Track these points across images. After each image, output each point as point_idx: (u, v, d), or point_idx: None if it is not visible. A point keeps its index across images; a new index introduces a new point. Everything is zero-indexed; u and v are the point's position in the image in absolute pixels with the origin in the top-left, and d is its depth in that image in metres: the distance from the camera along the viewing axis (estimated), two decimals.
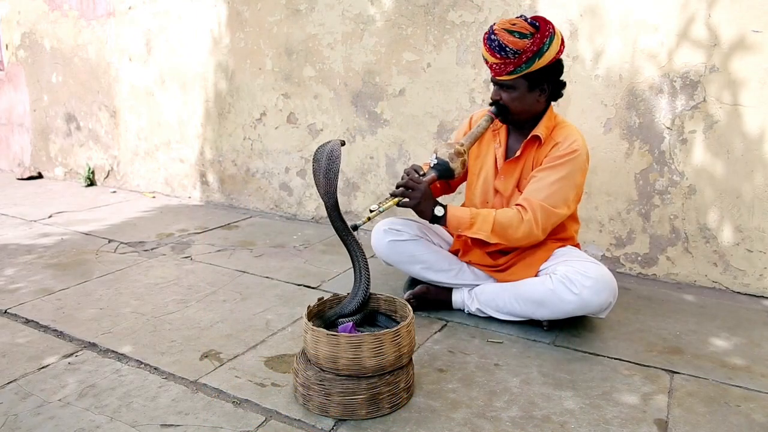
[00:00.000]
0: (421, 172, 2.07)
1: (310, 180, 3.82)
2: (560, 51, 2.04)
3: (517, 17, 2.02)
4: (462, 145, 2.09)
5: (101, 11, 4.61)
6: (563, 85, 2.17)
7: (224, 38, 3.99)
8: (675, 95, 2.63)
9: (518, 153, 2.17)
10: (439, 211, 2.05)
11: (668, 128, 2.67)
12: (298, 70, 3.71)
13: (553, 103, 2.22)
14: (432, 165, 2.09)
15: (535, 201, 2.04)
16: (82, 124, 5.03)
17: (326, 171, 1.74)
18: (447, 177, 2.09)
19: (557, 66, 2.10)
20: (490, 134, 2.29)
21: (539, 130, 2.13)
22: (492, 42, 1.99)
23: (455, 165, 2.05)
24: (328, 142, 1.78)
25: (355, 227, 1.84)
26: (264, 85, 3.87)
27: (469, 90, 3.13)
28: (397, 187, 2.04)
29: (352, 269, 1.86)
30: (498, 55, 1.99)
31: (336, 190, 1.76)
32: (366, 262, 1.85)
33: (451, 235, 2.44)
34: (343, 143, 1.80)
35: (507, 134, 2.26)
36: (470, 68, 3.09)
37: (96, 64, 4.77)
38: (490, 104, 2.17)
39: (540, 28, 1.97)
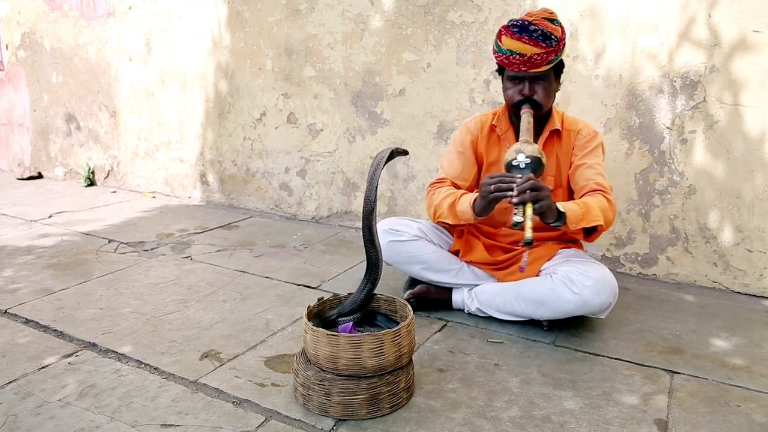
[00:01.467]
0: (519, 176, 1.90)
1: (310, 180, 3.82)
2: None
3: (543, 9, 2.08)
4: (530, 141, 2.00)
5: (101, 11, 4.61)
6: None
7: (224, 38, 3.99)
8: (675, 95, 2.63)
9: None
10: (561, 207, 1.93)
11: (668, 128, 2.67)
12: (298, 70, 3.71)
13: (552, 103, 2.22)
14: (524, 165, 1.92)
15: (604, 183, 2.10)
16: (82, 124, 5.03)
17: (371, 176, 1.75)
18: (540, 172, 1.98)
19: None
20: (494, 138, 2.28)
21: (556, 124, 2.18)
22: (533, 32, 1.98)
23: (545, 159, 1.97)
24: (387, 148, 1.79)
25: (529, 243, 1.75)
26: (264, 85, 3.87)
27: (469, 90, 3.13)
28: (520, 192, 1.82)
29: (358, 270, 1.86)
30: (543, 45, 1.98)
31: (375, 198, 1.74)
32: (378, 273, 1.81)
33: (459, 238, 2.40)
34: (403, 152, 1.79)
35: (516, 135, 2.22)
36: (470, 68, 3.09)
37: (96, 64, 4.77)
38: (518, 104, 2.09)
39: (556, 15, 2.06)
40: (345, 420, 1.61)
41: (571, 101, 2.85)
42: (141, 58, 4.48)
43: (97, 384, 1.80)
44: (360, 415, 1.60)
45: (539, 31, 1.98)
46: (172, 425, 1.59)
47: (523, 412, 1.66)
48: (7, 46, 5.39)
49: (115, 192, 4.76)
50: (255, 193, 4.11)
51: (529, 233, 1.76)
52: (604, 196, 2.05)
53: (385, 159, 1.76)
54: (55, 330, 2.18)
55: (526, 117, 2.07)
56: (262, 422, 1.60)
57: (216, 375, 1.85)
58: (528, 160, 1.91)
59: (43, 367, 1.90)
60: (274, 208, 4.03)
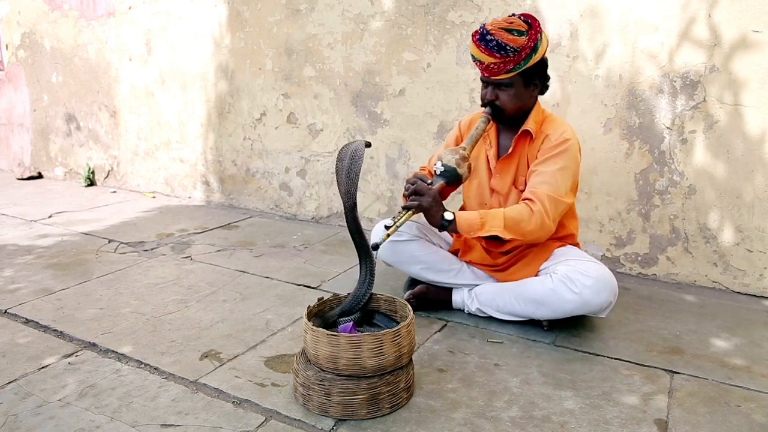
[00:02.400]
0: (428, 180, 2.04)
1: (310, 180, 3.82)
2: (547, 46, 2.10)
3: (509, 16, 2.05)
4: (464, 149, 2.08)
5: (101, 11, 4.61)
6: (548, 78, 2.20)
7: (224, 38, 3.99)
8: (675, 95, 2.63)
9: (510, 149, 2.18)
10: (448, 215, 2.02)
11: (668, 128, 2.67)
12: (298, 70, 3.71)
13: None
14: (439, 173, 2.05)
15: (541, 192, 2.03)
16: (82, 124, 5.03)
17: (348, 170, 1.75)
18: (455, 183, 2.08)
19: (545, 61, 2.14)
20: None
21: (529, 124, 2.16)
22: (489, 42, 1.99)
23: (463, 170, 2.05)
24: (352, 142, 1.80)
25: (376, 246, 1.86)
26: (264, 85, 3.87)
27: (469, 90, 3.13)
28: (406, 196, 2.02)
29: (358, 270, 1.86)
30: (498, 55, 1.99)
31: (356, 191, 1.76)
32: (373, 266, 1.85)
33: (452, 236, 2.43)
34: (368, 144, 1.80)
35: (497, 134, 2.27)
36: (470, 68, 3.09)
37: (96, 64, 4.77)
38: (483, 105, 2.17)
39: (532, 25, 2.01)
40: (345, 420, 1.61)
41: (571, 101, 2.85)
42: (141, 58, 4.48)
43: (97, 384, 1.80)
44: (360, 415, 1.60)
45: (494, 42, 1.98)
46: (172, 425, 1.59)
47: (523, 412, 1.66)
48: (7, 46, 5.39)
49: (115, 192, 4.76)
50: (255, 193, 4.10)
51: (379, 239, 1.88)
52: (528, 205, 2.03)
53: (361, 151, 1.76)
54: (55, 330, 2.18)
55: (480, 121, 2.15)
56: (262, 422, 1.61)
57: (216, 375, 1.85)
58: (442, 168, 2.06)
59: (43, 367, 1.90)
60: (274, 208, 4.03)
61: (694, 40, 2.55)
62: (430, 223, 2.05)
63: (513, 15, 2.05)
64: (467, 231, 2.05)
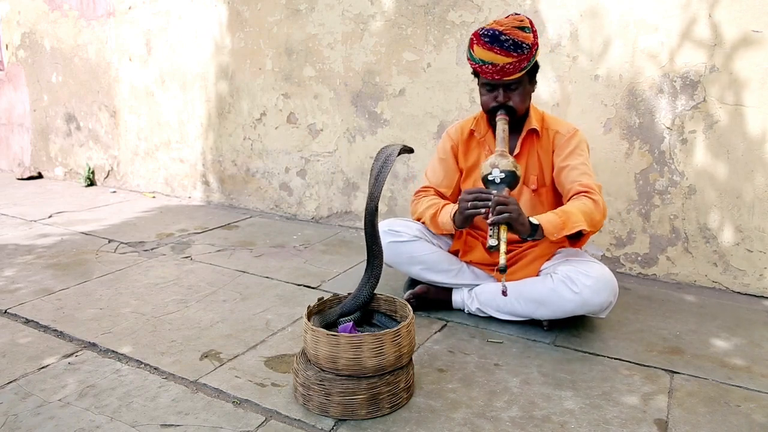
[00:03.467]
0: (495, 191, 1.92)
1: (310, 180, 3.82)
2: None
3: (511, 15, 2.06)
4: (506, 152, 2.01)
5: (101, 11, 4.61)
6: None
7: (224, 38, 3.99)
8: (675, 95, 2.63)
9: (517, 150, 2.18)
10: (534, 221, 1.92)
11: (668, 128, 2.67)
12: (298, 70, 3.71)
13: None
14: (499, 180, 1.93)
15: (590, 183, 2.05)
16: (82, 124, 5.03)
17: (378, 173, 1.74)
18: (515, 186, 1.99)
19: None
20: (474, 143, 2.29)
21: (533, 123, 2.17)
22: (505, 42, 1.96)
23: (521, 171, 1.98)
24: (392, 145, 1.78)
25: (503, 270, 1.75)
26: (264, 85, 3.87)
27: (469, 90, 3.13)
28: (492, 212, 1.84)
29: (358, 270, 1.86)
30: (515, 54, 1.97)
31: (380, 195, 1.74)
32: (380, 270, 1.82)
33: (458, 238, 2.40)
34: (410, 150, 1.78)
35: (495, 138, 2.21)
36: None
37: (96, 64, 4.77)
38: (491, 111, 2.12)
39: (530, 21, 2.03)
40: (345, 420, 1.61)
41: (571, 101, 2.85)
42: (141, 58, 4.48)
43: (97, 384, 1.80)
44: (360, 415, 1.60)
45: (510, 41, 1.96)
46: (172, 425, 1.59)
47: (523, 412, 1.65)
48: (7, 46, 5.39)
49: (115, 192, 4.76)
50: (255, 193, 4.11)
51: (503, 259, 1.75)
52: (589, 197, 2.01)
53: (395, 155, 1.76)
54: (55, 330, 2.18)
55: (501, 125, 2.07)
56: (262, 422, 1.60)
57: (216, 375, 1.85)
58: (503, 175, 1.93)
59: (43, 367, 1.90)
60: (274, 208, 4.03)
61: (694, 40, 2.55)
62: (520, 231, 1.88)
63: (516, 14, 2.06)
64: (552, 233, 1.94)
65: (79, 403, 1.69)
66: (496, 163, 1.94)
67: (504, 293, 1.85)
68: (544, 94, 2.90)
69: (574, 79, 2.82)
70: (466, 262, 2.34)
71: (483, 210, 1.89)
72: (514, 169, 1.93)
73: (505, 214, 1.82)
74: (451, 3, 3.09)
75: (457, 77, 3.15)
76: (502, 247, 1.78)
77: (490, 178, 1.95)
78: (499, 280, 2.25)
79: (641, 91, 2.69)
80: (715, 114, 2.56)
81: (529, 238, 1.93)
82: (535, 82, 2.18)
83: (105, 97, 4.80)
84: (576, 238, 2.09)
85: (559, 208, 2.01)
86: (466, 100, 3.15)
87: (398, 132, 3.41)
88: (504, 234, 1.81)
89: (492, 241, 1.80)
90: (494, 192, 1.89)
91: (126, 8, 4.45)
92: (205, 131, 4.26)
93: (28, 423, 1.60)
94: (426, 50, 3.22)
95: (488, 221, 1.84)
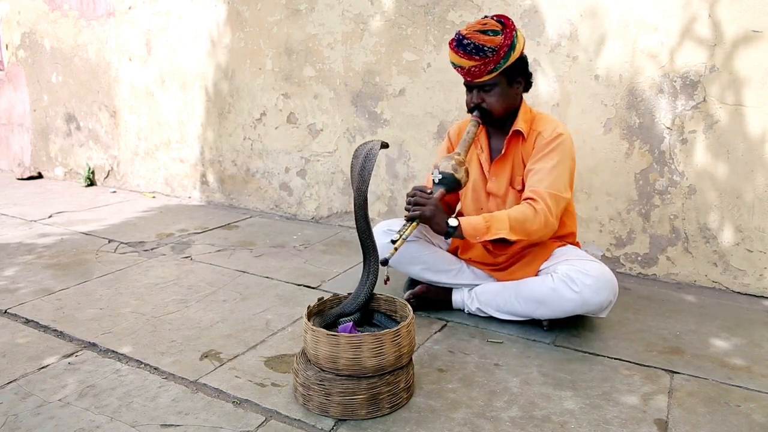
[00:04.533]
0: (428, 190, 2.04)
1: (310, 180, 3.82)
2: (524, 43, 2.11)
3: (482, 18, 2.07)
4: (459, 154, 2.07)
5: (101, 11, 4.61)
6: (531, 75, 2.20)
7: (224, 38, 3.99)
8: (675, 95, 2.63)
9: (503, 150, 2.19)
10: (452, 222, 2.01)
11: (668, 128, 2.67)
12: (298, 70, 3.71)
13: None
14: (437, 181, 2.04)
15: (541, 190, 2.04)
16: (82, 124, 5.03)
17: (361, 168, 1.75)
18: (455, 189, 2.07)
19: (525, 58, 2.14)
20: None
21: (519, 124, 2.16)
22: (467, 46, 2.00)
23: (460, 175, 2.04)
24: (369, 141, 1.80)
25: (385, 262, 1.85)
26: (264, 85, 3.87)
27: None
28: (407, 208, 2.02)
29: (358, 270, 1.86)
30: (476, 57, 2.00)
31: (367, 189, 1.76)
32: (376, 267, 1.83)
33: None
34: (385, 145, 1.81)
35: (487, 137, 2.27)
36: None
37: (96, 64, 4.77)
38: (470, 111, 2.17)
39: (506, 24, 2.02)
40: (345, 420, 1.61)
41: (571, 101, 2.85)
42: (141, 58, 4.48)
43: (97, 384, 1.80)
44: (360, 415, 1.61)
45: (471, 45, 1.99)
46: (172, 425, 1.59)
47: (523, 412, 1.66)
48: (7, 46, 5.39)
49: (115, 192, 4.76)
50: (255, 193, 4.11)
51: (388, 252, 1.86)
52: (531, 205, 2.03)
53: (376, 150, 1.76)
54: (55, 330, 2.18)
55: (471, 125, 2.14)
56: (262, 422, 1.61)
57: (216, 375, 1.85)
58: (440, 176, 2.04)
59: (43, 367, 1.90)
60: (274, 208, 4.03)
61: (694, 39, 2.55)
62: (435, 231, 2.03)
63: (486, 17, 2.07)
64: (473, 236, 2.03)
65: (79, 403, 1.69)
66: (439, 164, 2.07)
67: (385, 282, 1.93)
68: (544, 94, 2.90)
69: (574, 79, 2.82)
70: (466, 262, 2.34)
71: (408, 207, 2.03)
72: (452, 172, 2.03)
73: (416, 212, 1.97)
74: (451, 3, 3.09)
75: (457, 77, 3.10)
76: (400, 242, 1.90)
77: (432, 177, 2.07)
78: (503, 267, 2.26)
79: (641, 91, 2.69)
80: (715, 114, 2.56)
81: (448, 237, 2.08)
82: (522, 83, 2.16)
83: (105, 97, 4.80)
84: (505, 243, 2.13)
85: (491, 213, 2.09)
86: (466, 99, 3.14)
87: (398, 132, 3.41)
88: (409, 230, 1.95)
89: (395, 236, 1.93)
90: (420, 191, 2.02)
91: (126, 8, 4.45)
92: (205, 131, 4.26)
93: (28, 423, 1.60)
94: (426, 50, 3.22)
95: (405, 216, 2.01)
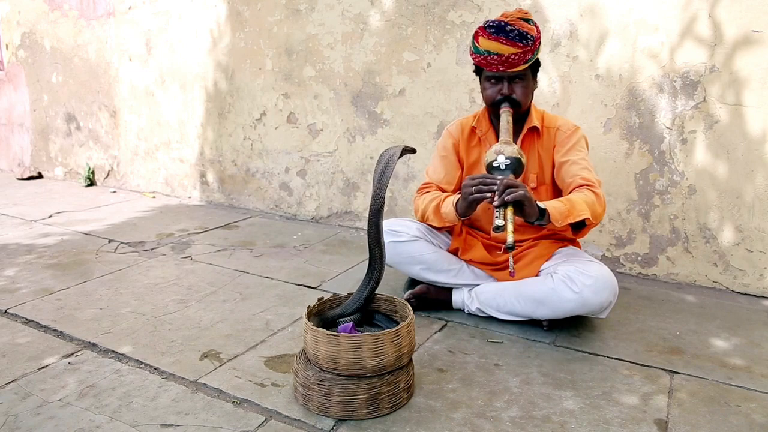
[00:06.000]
0: (499, 177, 1.90)
1: (310, 180, 3.82)
2: None
3: (516, 9, 2.10)
4: (509, 142, 2.01)
5: (101, 11, 4.61)
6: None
7: (224, 38, 3.99)
8: (675, 95, 2.63)
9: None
10: (541, 205, 1.92)
11: (668, 128, 2.67)
12: (298, 70, 3.71)
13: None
14: (504, 167, 1.93)
15: (591, 177, 2.07)
16: (82, 124, 5.03)
17: (381, 174, 1.74)
18: (521, 173, 1.99)
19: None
20: (475, 140, 2.29)
21: (534, 121, 2.18)
22: (510, 33, 1.99)
23: (525, 159, 1.98)
24: (393, 147, 1.79)
25: (511, 247, 1.75)
26: (264, 85, 3.87)
27: (469, 90, 3.13)
28: (500, 195, 1.83)
29: (358, 270, 1.85)
30: (520, 44, 2.00)
31: (384, 196, 1.73)
32: (380, 274, 1.81)
33: (458, 236, 2.40)
34: (413, 150, 1.78)
35: (496, 135, 2.25)
36: (470, 68, 3.08)
37: (96, 64, 4.77)
38: (495, 104, 2.12)
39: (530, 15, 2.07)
40: (345, 420, 1.61)
41: (571, 101, 2.85)
42: (141, 58, 4.48)
43: (97, 384, 1.80)
44: (360, 415, 1.60)
45: (515, 31, 1.99)
46: (172, 425, 1.59)
47: (523, 412, 1.65)
48: (7, 46, 5.39)
49: (115, 192, 4.76)
50: (255, 193, 4.11)
51: (510, 237, 1.75)
52: (591, 190, 2.03)
53: (397, 156, 1.76)
54: (55, 330, 2.18)
55: (506, 116, 2.08)
56: (262, 422, 1.60)
57: (216, 375, 1.85)
58: (508, 161, 1.93)
59: (43, 367, 1.90)
60: (274, 208, 4.03)
61: (694, 39, 2.55)
62: (528, 214, 1.88)
63: (519, 9, 2.09)
64: (558, 219, 1.94)
65: (79, 403, 1.69)
66: (501, 150, 1.95)
67: (511, 274, 1.85)
68: (545, 93, 2.90)
69: (574, 79, 2.82)
70: (466, 262, 2.34)
71: (488, 195, 1.87)
72: (519, 156, 1.94)
73: (518, 194, 1.80)
74: (451, 3, 3.09)
75: (457, 77, 3.14)
76: (509, 227, 1.77)
77: (495, 164, 1.94)
78: (504, 267, 2.25)
79: (641, 91, 2.69)
80: (715, 114, 2.56)
81: (536, 223, 1.94)
82: (537, 80, 2.19)
83: (105, 97, 4.80)
84: (578, 229, 2.09)
85: (564, 197, 2.03)
86: (466, 100, 3.15)
87: (398, 132, 3.41)
88: (510, 215, 1.80)
89: (499, 221, 1.79)
90: (499, 177, 1.88)
91: (126, 8, 4.45)
92: (205, 131, 4.26)
93: (28, 423, 1.60)
94: (426, 50, 3.22)
95: (495, 203, 1.82)
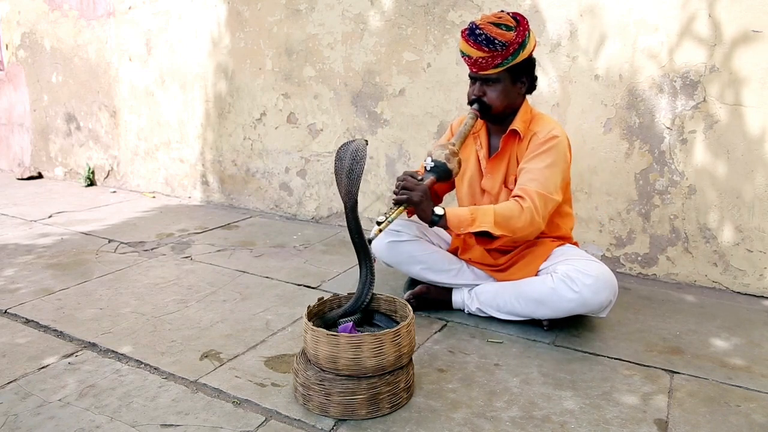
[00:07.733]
0: (418, 177, 2.04)
1: (310, 180, 3.82)
2: (535, 45, 2.11)
3: (498, 11, 2.08)
4: (453, 144, 2.09)
5: (101, 11, 4.61)
6: (536, 78, 2.21)
7: (224, 38, 3.99)
8: (675, 95, 2.63)
9: (499, 149, 2.20)
10: (438, 210, 2.02)
11: (668, 128, 2.67)
12: (298, 70, 3.71)
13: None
14: (429, 168, 2.05)
15: (530, 189, 2.03)
16: (82, 124, 5.03)
17: (349, 171, 1.73)
18: (446, 178, 2.07)
19: (533, 60, 2.14)
20: (470, 137, 2.30)
21: (516, 124, 2.16)
22: (478, 36, 2.00)
23: (452, 165, 2.05)
24: (352, 141, 1.77)
25: (369, 241, 1.85)
26: (264, 85, 3.87)
27: None
28: (396, 192, 2.00)
29: (358, 272, 1.85)
30: (486, 49, 2.00)
31: (357, 191, 1.75)
32: (372, 266, 1.83)
33: (451, 235, 2.44)
34: (366, 143, 1.80)
35: (487, 135, 2.28)
36: None
37: (96, 64, 4.77)
38: (470, 103, 2.17)
39: (520, 22, 2.03)
40: (345, 420, 1.61)
41: (571, 101, 2.85)
42: (141, 58, 4.48)
43: (97, 384, 1.80)
44: (360, 415, 1.61)
45: (483, 36, 1.99)
46: (172, 425, 1.59)
47: (523, 412, 1.65)
48: (7, 46, 5.39)
49: (115, 192, 4.76)
50: (255, 193, 4.11)
51: (372, 233, 1.87)
52: (518, 202, 2.02)
53: (363, 151, 1.74)
54: (55, 330, 2.18)
55: (469, 118, 2.15)
56: (262, 422, 1.61)
57: (216, 375, 1.85)
58: (432, 164, 2.05)
59: (43, 367, 1.90)
60: (274, 208, 4.03)
61: (694, 39, 2.55)
62: (421, 218, 2.03)
63: (503, 11, 2.08)
64: (457, 226, 2.04)
65: (79, 403, 1.69)
66: (432, 152, 2.07)
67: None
68: (545, 93, 2.90)
69: (574, 79, 2.82)
70: (466, 261, 2.34)
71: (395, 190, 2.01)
72: (444, 161, 2.03)
73: (404, 197, 1.96)
74: (451, 3, 3.09)
75: (457, 77, 3.14)
76: (385, 224, 1.90)
77: (424, 164, 2.08)
78: (503, 267, 2.26)
79: (641, 91, 2.69)
80: (715, 114, 2.56)
81: (432, 226, 2.06)
82: (526, 83, 2.15)
83: (105, 97, 4.80)
84: (488, 237, 2.12)
85: (479, 206, 2.09)
86: (465, 100, 3.14)
87: (398, 132, 3.41)
88: (396, 214, 1.95)
89: (381, 218, 1.92)
90: (411, 177, 2.00)
91: (126, 8, 4.45)
92: (205, 131, 4.26)
93: (28, 423, 1.60)
94: (426, 50, 3.22)
95: (393, 200, 1.99)
